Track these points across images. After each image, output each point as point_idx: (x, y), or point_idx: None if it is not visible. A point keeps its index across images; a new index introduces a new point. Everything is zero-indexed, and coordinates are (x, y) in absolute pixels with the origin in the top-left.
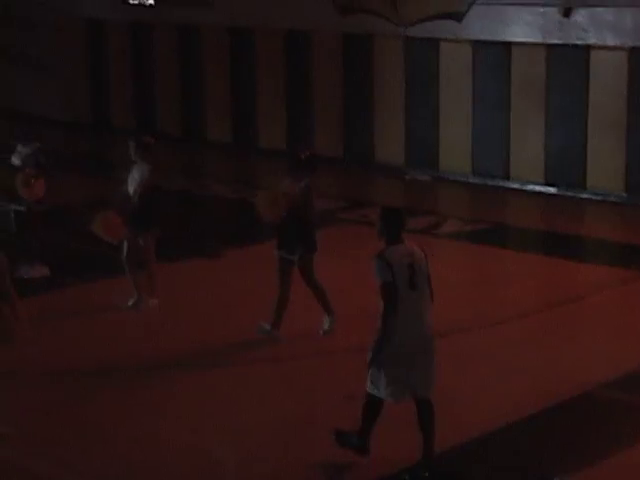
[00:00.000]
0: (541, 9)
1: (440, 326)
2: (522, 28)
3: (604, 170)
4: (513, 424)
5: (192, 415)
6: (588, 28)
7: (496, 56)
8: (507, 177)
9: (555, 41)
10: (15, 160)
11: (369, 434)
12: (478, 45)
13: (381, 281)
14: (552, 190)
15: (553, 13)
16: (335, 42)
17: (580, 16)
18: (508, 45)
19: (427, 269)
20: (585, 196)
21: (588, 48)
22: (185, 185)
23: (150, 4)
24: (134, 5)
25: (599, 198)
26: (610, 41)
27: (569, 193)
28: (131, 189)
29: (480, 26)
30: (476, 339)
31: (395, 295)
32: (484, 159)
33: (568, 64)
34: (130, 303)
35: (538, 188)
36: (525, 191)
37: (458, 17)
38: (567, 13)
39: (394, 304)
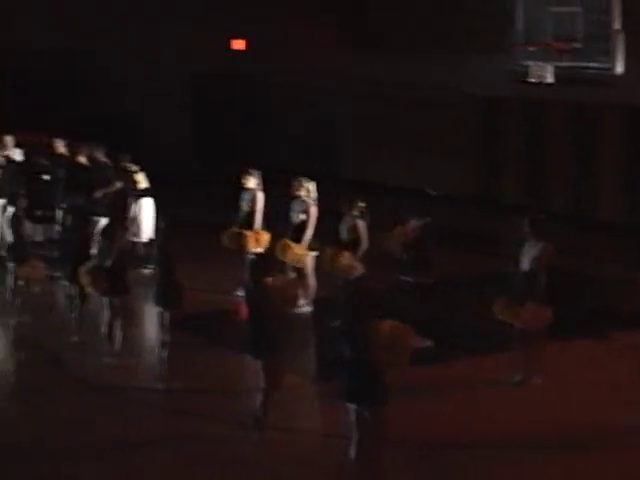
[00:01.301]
0: None
1: None
2: None
3: None
4: None
5: None
6: None
7: None
8: None
9: None
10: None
11: None
12: None
13: None
14: None
15: None
16: None
17: None
18: None
19: None
20: None
21: None
22: (576, 264)
23: (549, 82)
24: (532, 83)
25: None
26: None
27: None
28: (525, 266)
29: None
30: None
31: None
32: None
33: None
34: (515, 379)
35: None
36: None
37: None
38: None
39: None
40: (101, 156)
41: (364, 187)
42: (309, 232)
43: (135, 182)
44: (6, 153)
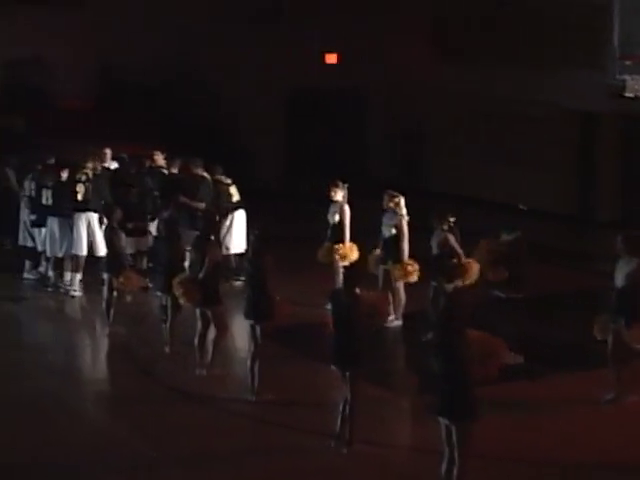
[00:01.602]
0: None
1: None
2: None
3: None
4: None
5: None
6: None
7: None
8: None
9: None
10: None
11: None
12: None
13: None
14: None
15: None
16: None
17: None
18: None
19: None
20: None
21: None
22: None
23: None
24: (629, 98)
25: None
26: None
27: None
28: (619, 282)
29: None
30: None
31: None
32: None
33: None
34: (608, 397)
35: None
36: None
37: None
38: None
39: None
40: (196, 169)
41: (456, 201)
42: (401, 245)
43: (229, 195)
44: (105, 165)
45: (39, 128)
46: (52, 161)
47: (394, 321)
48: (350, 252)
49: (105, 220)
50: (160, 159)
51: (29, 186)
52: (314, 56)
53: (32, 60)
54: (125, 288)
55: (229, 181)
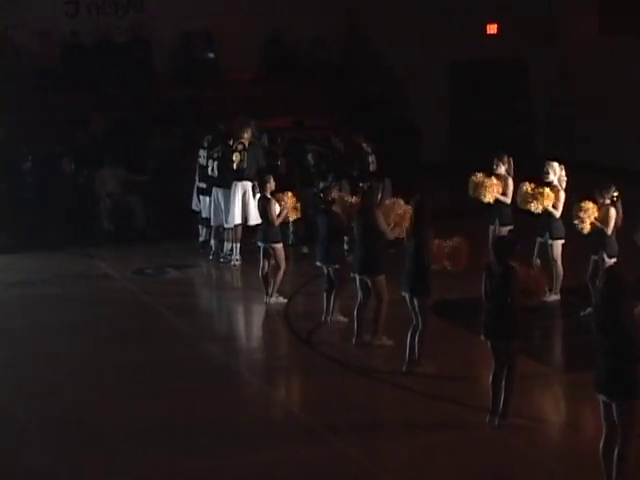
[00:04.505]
0: None
1: None
2: None
3: None
4: None
5: None
6: None
7: None
8: None
9: None
10: None
11: None
12: None
13: None
14: None
15: None
16: None
17: None
18: None
19: None
20: None
21: None
22: None
23: None
24: None
25: None
26: None
27: None
28: None
29: None
30: None
31: None
32: None
33: None
34: None
35: None
36: None
37: None
38: None
39: None
40: (359, 140)
41: (621, 174)
42: (555, 213)
43: (367, 164)
44: (250, 136)
45: (207, 100)
46: (220, 131)
47: (552, 295)
48: None
49: (258, 189)
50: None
51: (202, 155)
52: (476, 27)
53: (203, 33)
54: (279, 258)
55: (369, 149)
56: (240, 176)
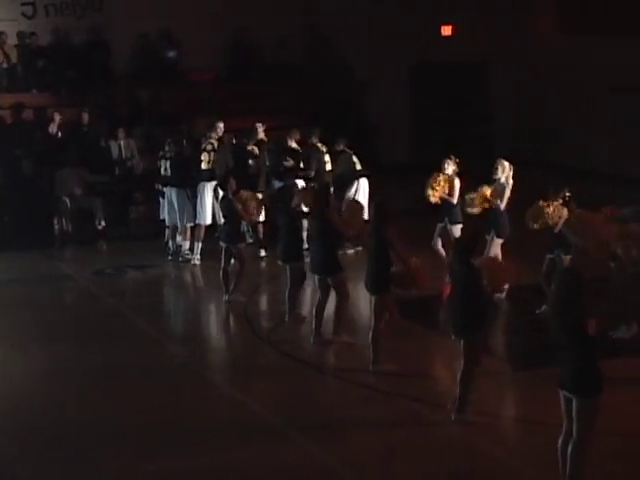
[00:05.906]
0: None
1: None
2: None
3: None
4: None
5: None
6: None
7: None
8: None
9: None
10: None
11: None
12: None
13: None
14: None
15: None
16: None
17: None
18: None
19: None
20: None
21: None
22: None
23: None
24: None
25: None
26: None
27: None
28: None
29: None
30: None
31: None
32: None
33: None
34: None
35: None
36: None
37: None
38: None
39: None
40: (311, 139)
41: (579, 174)
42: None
43: (353, 164)
44: (218, 136)
45: (169, 100)
46: (183, 131)
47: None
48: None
49: (220, 190)
50: (261, 131)
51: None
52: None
53: (163, 34)
54: (241, 256)
55: (350, 152)
56: (211, 176)
